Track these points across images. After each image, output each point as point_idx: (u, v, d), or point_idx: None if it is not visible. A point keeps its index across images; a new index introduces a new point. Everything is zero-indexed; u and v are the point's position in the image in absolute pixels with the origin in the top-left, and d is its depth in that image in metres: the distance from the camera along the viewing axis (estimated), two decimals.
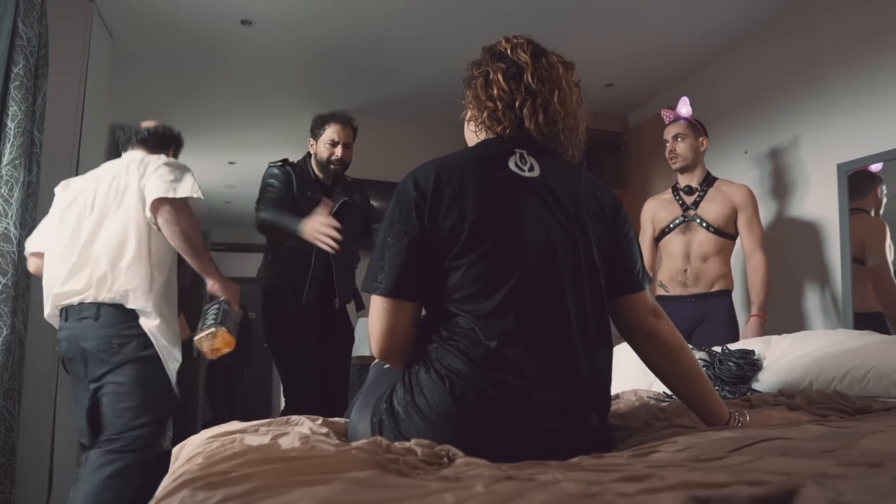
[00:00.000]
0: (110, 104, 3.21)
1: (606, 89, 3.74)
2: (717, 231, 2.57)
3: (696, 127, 2.67)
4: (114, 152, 3.99)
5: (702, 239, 2.59)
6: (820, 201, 2.75)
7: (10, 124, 2.05)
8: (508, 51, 1.19)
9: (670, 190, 2.75)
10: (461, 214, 1.05)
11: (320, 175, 2.61)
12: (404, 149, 4.17)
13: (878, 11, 2.51)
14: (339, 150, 2.55)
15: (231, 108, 3.96)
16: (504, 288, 1.04)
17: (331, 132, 2.55)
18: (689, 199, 2.65)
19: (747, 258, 2.59)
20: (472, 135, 1.26)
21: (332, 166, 2.56)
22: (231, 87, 3.66)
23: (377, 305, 1.08)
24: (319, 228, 2.21)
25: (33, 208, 2.14)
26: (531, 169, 1.13)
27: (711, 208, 2.59)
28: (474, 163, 1.13)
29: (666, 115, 2.77)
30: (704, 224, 2.59)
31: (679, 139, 2.64)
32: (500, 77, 1.17)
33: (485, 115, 1.19)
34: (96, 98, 2.74)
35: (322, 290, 2.52)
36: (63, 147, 2.46)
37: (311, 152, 2.62)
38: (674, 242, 2.67)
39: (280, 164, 2.57)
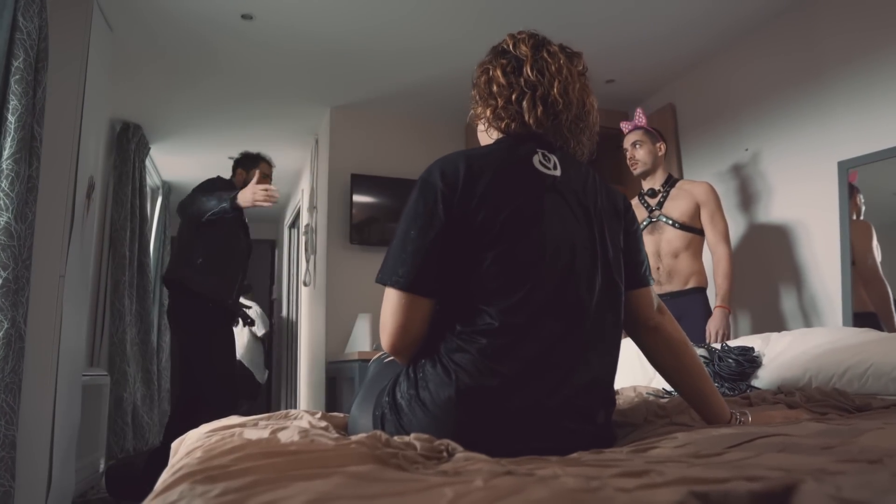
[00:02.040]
0: (110, 98, 3.21)
1: (607, 85, 3.73)
2: (684, 226, 2.67)
3: (652, 134, 2.82)
4: (113, 147, 3.99)
5: (670, 237, 2.70)
6: (818, 199, 2.74)
7: (11, 118, 2.04)
8: (511, 46, 1.20)
9: (637, 196, 2.88)
10: (494, 209, 1.04)
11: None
12: (406, 145, 4.17)
13: (880, 9, 2.51)
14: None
15: (231, 103, 3.95)
16: (524, 285, 1.03)
17: (265, 168, 3.26)
18: (653, 201, 2.79)
19: (712, 251, 2.68)
20: (483, 135, 1.27)
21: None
22: (231, 82, 3.65)
23: (393, 300, 1.05)
24: (258, 194, 2.73)
25: (33, 203, 2.13)
26: (554, 167, 1.14)
27: (676, 206, 2.71)
28: (502, 159, 1.12)
29: (624, 126, 2.94)
30: (670, 221, 2.70)
31: (637, 146, 2.81)
32: (499, 73, 1.17)
33: (488, 112, 1.19)
34: (96, 92, 2.74)
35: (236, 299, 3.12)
36: (62, 141, 2.45)
37: (242, 180, 3.19)
38: (644, 243, 2.72)
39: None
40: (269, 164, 3.35)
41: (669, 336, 1.20)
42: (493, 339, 1.01)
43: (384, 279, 1.06)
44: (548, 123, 1.16)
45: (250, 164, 3.25)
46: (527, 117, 1.15)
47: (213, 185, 3.07)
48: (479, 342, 1.01)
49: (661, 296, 2.62)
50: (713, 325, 2.51)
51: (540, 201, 1.08)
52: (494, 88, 1.18)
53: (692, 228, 2.67)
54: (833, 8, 2.72)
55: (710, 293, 2.72)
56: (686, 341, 1.21)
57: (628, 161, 2.83)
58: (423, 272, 1.03)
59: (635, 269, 1.20)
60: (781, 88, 2.96)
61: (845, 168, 2.59)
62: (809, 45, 2.82)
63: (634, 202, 2.85)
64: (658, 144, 2.79)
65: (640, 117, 2.89)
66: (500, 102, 1.17)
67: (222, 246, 3.03)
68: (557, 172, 1.13)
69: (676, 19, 3.01)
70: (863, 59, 2.57)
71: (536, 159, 1.13)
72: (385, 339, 1.08)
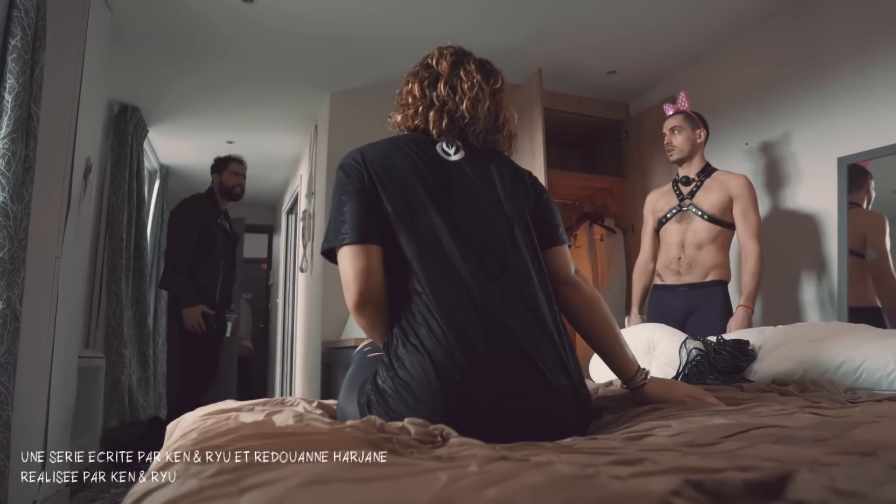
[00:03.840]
0: (108, 79, 3.18)
1: (609, 76, 3.72)
2: (712, 219, 2.59)
3: (693, 119, 2.72)
4: (111, 129, 3.97)
5: (696, 227, 2.63)
6: (819, 194, 2.74)
7: (8, 97, 2.02)
8: (434, 61, 1.35)
9: (670, 182, 2.81)
10: (397, 186, 1.16)
11: (221, 202, 3.63)
12: None
13: (883, 5, 2.49)
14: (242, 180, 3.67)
15: (230, 87, 3.92)
16: (444, 254, 1.12)
17: (234, 167, 3.63)
18: (685, 190, 2.71)
19: (741, 247, 2.60)
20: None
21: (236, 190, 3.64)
22: (231, 65, 3.62)
23: (347, 255, 1.13)
24: (199, 322, 3.27)
25: (30, 183, 2.12)
26: (457, 152, 1.27)
27: (707, 197, 2.62)
28: (403, 144, 1.25)
29: (667, 108, 2.85)
30: (699, 212, 2.62)
31: (676, 131, 2.70)
32: (416, 87, 1.32)
33: (399, 118, 1.34)
34: (94, 72, 2.71)
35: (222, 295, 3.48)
36: (59, 121, 2.43)
37: (217, 182, 3.62)
38: (670, 231, 2.71)
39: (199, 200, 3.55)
40: (241, 164, 3.67)
41: (584, 292, 1.31)
42: (437, 309, 1.08)
43: (332, 242, 1.16)
44: (451, 133, 1.28)
45: (222, 168, 3.62)
46: (430, 126, 1.28)
47: (192, 207, 3.50)
48: (427, 315, 1.08)
49: (677, 287, 2.61)
50: (734, 325, 2.43)
51: (447, 179, 1.20)
52: (410, 100, 1.32)
53: (721, 222, 2.58)
54: (837, 4, 2.70)
55: (732, 288, 2.65)
56: (599, 299, 1.32)
57: (665, 146, 2.73)
58: (365, 222, 1.14)
59: (551, 231, 1.31)
60: (783, 83, 2.95)
61: (845, 164, 2.59)
62: (813, 40, 2.81)
63: (667, 188, 2.80)
64: (698, 131, 2.68)
65: (682, 101, 2.78)
66: (411, 112, 1.31)
67: (202, 258, 3.42)
68: (460, 156, 1.26)
69: (680, 12, 2.99)
70: (866, 55, 2.56)
71: (439, 146, 1.27)
72: (350, 292, 1.14)
